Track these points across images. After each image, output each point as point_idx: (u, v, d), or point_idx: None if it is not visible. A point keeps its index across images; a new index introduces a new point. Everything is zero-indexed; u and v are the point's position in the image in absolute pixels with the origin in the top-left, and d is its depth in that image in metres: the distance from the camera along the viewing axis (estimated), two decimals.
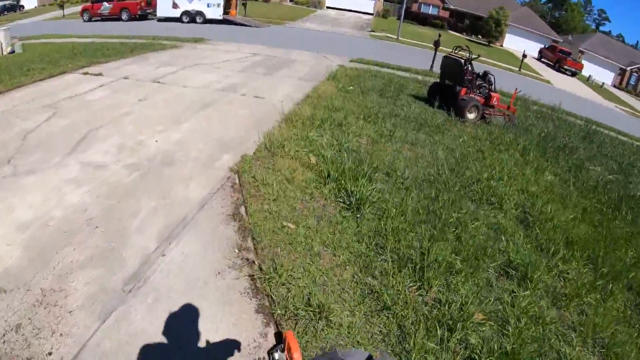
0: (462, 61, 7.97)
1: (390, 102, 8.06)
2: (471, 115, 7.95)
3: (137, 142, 4.40)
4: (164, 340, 2.15)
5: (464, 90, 8.08)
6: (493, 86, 8.43)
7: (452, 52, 8.94)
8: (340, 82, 8.92)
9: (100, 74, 6.88)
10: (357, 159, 4.59)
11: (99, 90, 6.05)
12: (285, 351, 0.95)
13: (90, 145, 4.24)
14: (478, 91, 8.29)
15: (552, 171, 6.07)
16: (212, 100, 6.19)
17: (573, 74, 28.31)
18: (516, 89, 9.22)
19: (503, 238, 3.74)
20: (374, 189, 3.94)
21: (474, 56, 8.26)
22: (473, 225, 3.78)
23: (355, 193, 3.78)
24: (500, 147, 6.52)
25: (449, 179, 4.67)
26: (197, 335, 2.19)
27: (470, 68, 8.04)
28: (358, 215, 3.61)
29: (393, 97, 8.55)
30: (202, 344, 2.15)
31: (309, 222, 3.40)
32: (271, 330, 2.32)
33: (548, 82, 22.51)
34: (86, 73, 6.88)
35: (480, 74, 8.40)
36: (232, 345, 2.08)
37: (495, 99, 8.23)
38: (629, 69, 31.54)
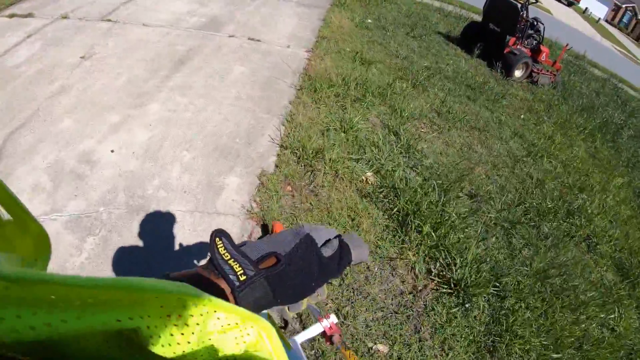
0: (519, 6, 6.06)
1: (424, 47, 6.22)
2: (519, 73, 6.39)
3: (80, 157, 2.45)
4: None
5: (512, 40, 6.34)
6: (542, 37, 6.74)
7: None
8: (353, 11, 6.70)
9: (30, 15, 4.07)
10: (438, 179, 3.07)
11: (25, 46, 3.47)
12: None
13: (7, 176, 2.26)
14: (526, 42, 6.60)
15: (618, 169, 4.98)
16: (189, 50, 3.99)
17: (569, 4, 26.19)
18: (567, 44, 7.56)
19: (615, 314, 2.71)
20: (480, 252, 2.57)
21: (532, 0, 6.35)
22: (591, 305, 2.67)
23: (460, 264, 2.40)
24: (566, 131, 5.22)
25: (544, 207, 3.39)
26: None
27: (525, 14, 6.18)
28: (467, 305, 2.29)
29: (423, 38, 6.65)
30: None
31: (405, 330, 2.05)
32: None
33: (548, 11, 20.57)
34: (12, 15, 4.01)
35: (531, 21, 6.59)
36: None
37: (545, 54, 6.63)
38: (624, 6, 29.80)
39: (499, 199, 3.26)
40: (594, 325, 2.56)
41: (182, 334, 0.23)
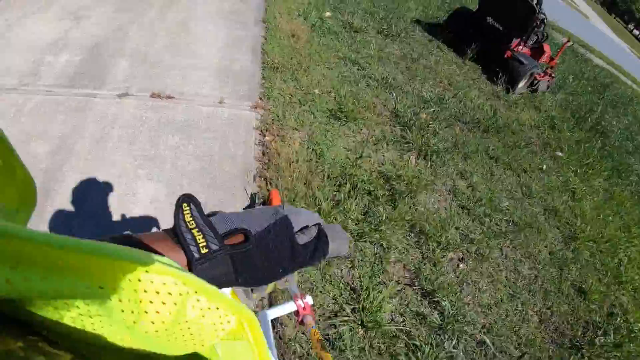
0: (534, 4, 5.05)
1: (409, 57, 5.11)
2: (522, 83, 5.58)
3: None
4: None
5: (516, 42, 5.44)
6: (545, 34, 5.93)
7: None
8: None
9: None
10: None
11: None
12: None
13: None
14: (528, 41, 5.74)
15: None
16: (55, 154, 2.25)
17: None
18: (567, 39, 6.83)
19: None
20: None
21: None
22: None
23: None
24: (588, 177, 4.65)
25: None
26: None
27: (538, 10, 5.20)
28: None
29: (402, 37, 5.48)
30: None
31: None
32: None
33: None
34: None
35: (542, 18, 5.66)
36: None
37: (547, 55, 5.89)
38: None
39: None
40: None
41: (158, 312, 0.22)
